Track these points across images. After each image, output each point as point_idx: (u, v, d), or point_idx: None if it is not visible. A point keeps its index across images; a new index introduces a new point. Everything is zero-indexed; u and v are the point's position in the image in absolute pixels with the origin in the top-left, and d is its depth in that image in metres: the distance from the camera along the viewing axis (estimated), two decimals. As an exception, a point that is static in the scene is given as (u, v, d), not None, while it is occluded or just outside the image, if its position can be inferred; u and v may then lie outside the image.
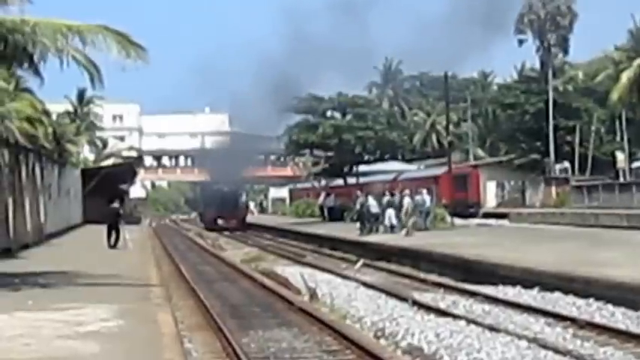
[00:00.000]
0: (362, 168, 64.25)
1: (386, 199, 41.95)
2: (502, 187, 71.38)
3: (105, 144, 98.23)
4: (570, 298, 19.29)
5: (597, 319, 16.98)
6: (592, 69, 77.79)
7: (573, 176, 69.12)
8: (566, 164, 71.82)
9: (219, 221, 68.28)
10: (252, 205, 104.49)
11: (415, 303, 19.92)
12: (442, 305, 19.69)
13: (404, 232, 38.68)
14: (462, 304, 19.84)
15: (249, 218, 76.37)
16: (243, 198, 77.54)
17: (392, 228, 40.15)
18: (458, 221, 46.07)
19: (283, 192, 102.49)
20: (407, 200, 40.16)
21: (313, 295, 22.05)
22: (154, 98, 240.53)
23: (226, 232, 62.79)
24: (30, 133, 37.39)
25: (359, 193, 46.17)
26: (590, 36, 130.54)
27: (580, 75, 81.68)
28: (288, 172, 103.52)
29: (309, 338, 16.09)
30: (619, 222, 42.14)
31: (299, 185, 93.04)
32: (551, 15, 75.99)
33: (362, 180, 62.55)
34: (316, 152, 66.92)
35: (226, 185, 73.80)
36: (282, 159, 72.12)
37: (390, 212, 40.58)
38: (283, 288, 23.90)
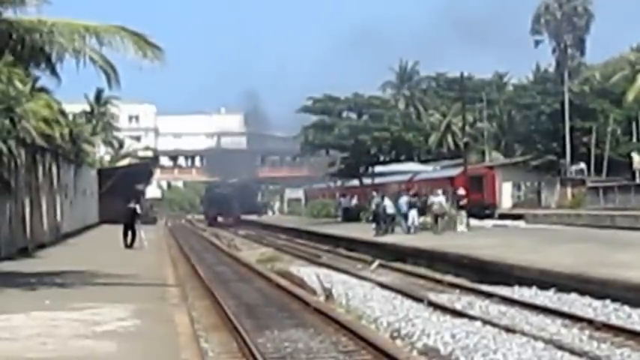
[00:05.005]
0: (377, 169, 64.19)
1: (405, 199, 41.75)
2: (518, 188, 71.13)
3: (121, 144, 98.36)
4: (587, 300, 19.23)
5: (614, 321, 16.93)
6: (608, 70, 77.53)
7: (589, 177, 68.83)
8: (582, 165, 71.57)
9: (219, 219, 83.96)
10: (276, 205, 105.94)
11: (431, 304, 19.91)
12: (458, 306, 19.66)
13: (433, 229, 38.86)
14: (478, 305, 19.81)
15: (266, 218, 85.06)
16: (238, 200, 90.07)
17: (409, 229, 40.14)
18: (473, 222, 45.94)
19: (299, 192, 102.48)
20: (437, 199, 40.06)
21: (329, 295, 22.06)
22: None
23: (242, 232, 65.73)
24: (46, 133, 37.38)
25: (374, 193, 46.10)
26: (606, 37, 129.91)
27: (596, 76, 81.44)
28: (303, 172, 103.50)
29: (325, 339, 16.10)
30: (635, 223, 41.93)
31: (314, 186, 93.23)
32: (567, 16, 75.88)
33: (377, 180, 62.51)
34: (332, 153, 66.99)
35: (225, 189, 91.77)
36: (297, 159, 73.96)
37: (413, 213, 40.57)
38: (299, 288, 23.91)
